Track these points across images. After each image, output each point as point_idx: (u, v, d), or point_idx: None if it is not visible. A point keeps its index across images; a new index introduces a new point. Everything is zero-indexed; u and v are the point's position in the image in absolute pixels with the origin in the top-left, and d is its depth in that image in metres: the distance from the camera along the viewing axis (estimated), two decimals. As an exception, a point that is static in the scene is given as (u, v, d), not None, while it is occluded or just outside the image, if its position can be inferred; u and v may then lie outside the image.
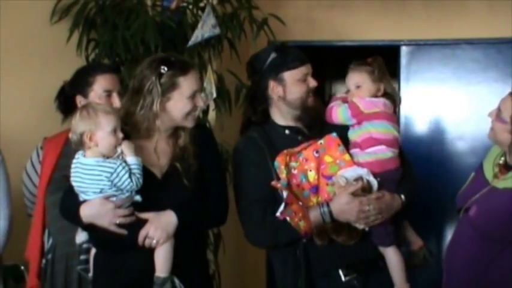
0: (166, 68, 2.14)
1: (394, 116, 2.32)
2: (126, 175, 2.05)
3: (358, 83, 2.27)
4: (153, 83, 2.13)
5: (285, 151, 2.24)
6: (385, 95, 2.29)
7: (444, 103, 4.38)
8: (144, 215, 2.12)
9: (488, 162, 2.17)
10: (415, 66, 4.39)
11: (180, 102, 2.16)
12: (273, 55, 2.29)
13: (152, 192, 2.14)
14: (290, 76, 2.29)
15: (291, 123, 2.34)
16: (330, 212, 2.18)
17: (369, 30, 4.27)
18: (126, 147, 2.10)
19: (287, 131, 2.34)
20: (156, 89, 2.12)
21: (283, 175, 2.20)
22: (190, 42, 3.26)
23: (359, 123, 2.26)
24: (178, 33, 3.30)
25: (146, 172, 2.12)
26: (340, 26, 4.27)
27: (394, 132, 2.27)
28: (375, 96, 2.28)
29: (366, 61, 2.29)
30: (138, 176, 2.08)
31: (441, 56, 4.33)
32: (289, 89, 2.28)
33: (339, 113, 2.28)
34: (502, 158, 2.08)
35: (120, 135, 2.10)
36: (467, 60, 4.26)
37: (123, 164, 2.07)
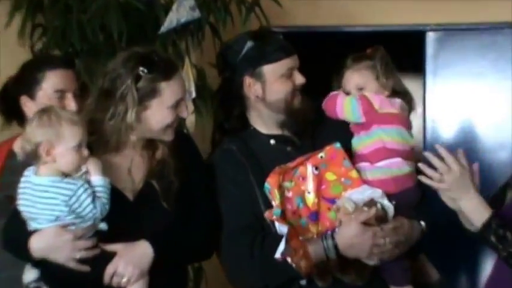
0: (146, 70, 2.14)
1: (409, 121, 2.32)
2: (89, 199, 2.05)
3: (360, 84, 2.28)
4: (129, 87, 2.13)
5: (277, 169, 2.23)
6: (395, 94, 2.29)
7: (481, 103, 4.41)
8: (111, 247, 2.13)
9: None
10: (445, 57, 4.46)
11: (160, 112, 2.18)
12: (249, 44, 2.29)
13: (122, 218, 2.14)
14: (270, 71, 2.28)
15: (275, 130, 2.35)
16: (336, 246, 2.16)
17: (387, 13, 4.30)
18: (92, 166, 2.10)
19: (272, 141, 2.34)
20: (132, 95, 2.13)
21: (276, 201, 2.19)
22: (163, 29, 3.27)
23: (367, 127, 2.26)
24: (147, 16, 3.32)
25: (114, 193, 2.13)
26: (351, 8, 4.29)
27: (412, 142, 2.28)
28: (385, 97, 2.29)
29: (364, 54, 2.29)
30: (104, 200, 2.08)
31: (477, 44, 4.38)
32: (270, 87, 2.28)
33: (345, 105, 2.27)
34: None
35: (86, 152, 2.09)
36: (511, 50, 4.34)
37: (86, 186, 2.06)
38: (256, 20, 3.48)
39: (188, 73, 3.36)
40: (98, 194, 2.07)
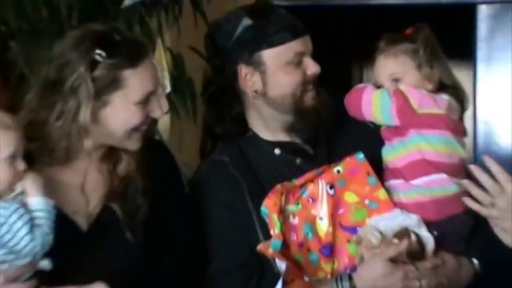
0: (104, 53, 2.15)
1: (460, 125, 2.33)
2: (25, 228, 2.04)
3: (396, 74, 2.29)
4: (81, 76, 2.14)
5: (279, 187, 2.25)
6: (442, 88, 2.30)
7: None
8: None
9: None
10: (503, 38, 4.46)
11: (124, 110, 2.19)
12: (244, 23, 2.33)
13: (71, 252, 2.15)
14: (272, 57, 2.30)
15: (281, 136, 2.38)
16: None
17: None
18: (30, 184, 2.09)
19: (277, 151, 2.37)
20: (86, 87, 2.14)
21: (276, 230, 2.21)
22: (127, 1, 3.26)
23: (403, 132, 2.27)
24: None
25: (62, 219, 2.14)
26: None
27: (462, 154, 2.29)
28: (429, 91, 2.30)
29: (404, 35, 2.31)
30: (47, 229, 2.07)
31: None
32: (272, 78, 2.31)
33: (374, 101, 2.30)
34: None
35: (22, 165, 2.09)
36: None
37: (21, 211, 2.06)
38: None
39: (161, 60, 3.36)
40: (37, 221, 2.06)
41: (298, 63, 2.32)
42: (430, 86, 2.29)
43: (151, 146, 2.31)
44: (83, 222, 2.21)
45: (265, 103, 2.34)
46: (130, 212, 2.21)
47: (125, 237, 2.18)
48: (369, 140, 2.35)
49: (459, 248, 2.26)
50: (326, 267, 2.24)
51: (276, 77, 2.31)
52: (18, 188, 2.08)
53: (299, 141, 2.37)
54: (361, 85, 2.36)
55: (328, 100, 2.36)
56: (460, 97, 2.32)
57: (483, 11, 4.48)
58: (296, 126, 2.34)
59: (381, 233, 2.19)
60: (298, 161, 2.35)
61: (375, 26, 4.76)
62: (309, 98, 2.33)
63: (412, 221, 2.22)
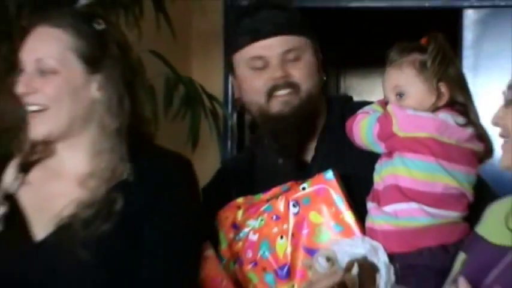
0: None
1: (462, 149, 2.23)
2: None
3: (400, 88, 2.22)
4: None
5: (240, 199, 2.32)
6: (452, 105, 2.22)
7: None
8: None
9: (492, 225, 2.10)
10: (490, 45, 4.50)
11: None
12: (235, 26, 2.43)
13: (20, 265, 2.13)
14: (237, 62, 2.37)
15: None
16: None
17: None
18: None
19: (281, 160, 2.40)
20: None
21: (222, 246, 2.28)
22: (83, 0, 3.21)
23: (389, 154, 2.23)
24: None
25: (16, 224, 2.16)
26: None
27: (449, 182, 2.20)
28: (434, 108, 2.21)
29: (416, 43, 2.24)
30: None
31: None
32: (242, 84, 2.38)
33: (361, 126, 2.28)
34: None
35: None
36: None
37: None
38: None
39: None
40: None
41: (262, 67, 2.33)
42: (437, 102, 2.21)
43: (164, 162, 2.24)
44: (39, 231, 2.15)
45: (247, 110, 2.42)
46: (90, 225, 2.12)
47: (78, 253, 2.08)
48: (369, 159, 2.28)
49: (429, 284, 2.16)
50: (282, 290, 2.22)
51: (243, 82, 2.37)
52: None
53: (279, 153, 2.39)
54: (363, 109, 2.31)
55: (314, 107, 2.36)
56: (468, 114, 2.23)
57: (469, 16, 4.50)
58: (268, 133, 2.38)
59: (329, 259, 2.12)
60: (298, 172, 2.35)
61: (355, 30, 4.75)
62: (276, 103, 2.32)
63: (370, 249, 2.16)
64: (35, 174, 2.25)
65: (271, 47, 2.32)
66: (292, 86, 2.32)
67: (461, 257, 2.08)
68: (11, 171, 2.23)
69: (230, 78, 2.45)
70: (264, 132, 2.41)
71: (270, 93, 2.32)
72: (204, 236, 2.24)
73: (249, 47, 2.32)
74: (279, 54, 2.31)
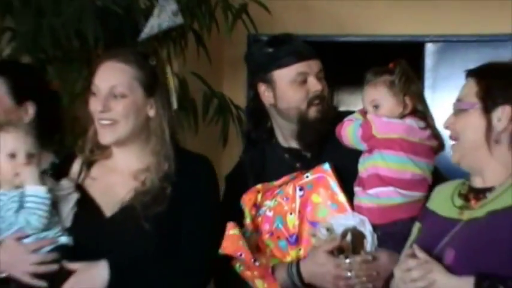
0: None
1: (423, 146, 2.23)
2: (11, 212, 2.06)
3: (375, 101, 2.22)
4: None
5: (259, 186, 2.27)
6: (415, 113, 2.23)
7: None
8: (73, 266, 2.09)
9: (440, 202, 2.11)
10: (444, 70, 4.42)
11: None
12: (265, 50, 2.33)
13: (94, 235, 2.12)
14: (280, 76, 2.30)
15: (293, 143, 2.36)
16: (299, 274, 2.16)
17: (382, 22, 4.31)
18: (28, 174, 2.09)
19: (287, 155, 2.36)
20: None
21: (247, 220, 2.22)
22: (143, 35, 3.22)
23: (370, 150, 2.23)
24: (126, 22, 3.24)
25: (88, 206, 2.14)
26: (345, 16, 4.27)
27: (415, 170, 2.20)
28: (402, 116, 2.22)
29: (386, 68, 2.25)
30: (39, 212, 2.06)
31: (479, 57, 4.24)
32: (281, 94, 2.31)
33: (348, 131, 2.26)
34: (463, 187, 2.06)
35: (22, 159, 2.09)
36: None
37: (16, 197, 2.07)
38: (243, 27, 3.48)
39: (170, 83, 3.30)
40: (26, 205, 2.06)
41: (302, 82, 2.29)
42: (404, 111, 2.21)
43: (193, 160, 2.26)
44: (107, 210, 2.16)
45: (277, 114, 2.33)
46: (149, 206, 2.13)
47: (142, 226, 2.10)
48: (353, 155, 2.26)
49: (399, 247, 2.12)
50: (292, 253, 2.20)
51: (284, 92, 2.30)
52: (17, 180, 2.10)
53: (302, 148, 2.34)
54: (348, 117, 2.29)
55: (333, 117, 2.31)
56: (427, 120, 2.23)
57: (430, 48, 4.45)
58: (299, 134, 2.31)
59: (328, 230, 2.14)
60: (298, 165, 2.32)
61: (344, 58, 4.74)
62: (313, 111, 2.29)
63: (358, 221, 2.16)
64: (95, 171, 2.26)
65: (311, 66, 2.30)
66: (323, 98, 2.32)
67: (417, 226, 2.11)
68: (76, 167, 2.26)
69: (262, 87, 2.33)
70: (299, 131, 2.32)
71: (311, 102, 2.29)
72: (227, 215, 2.22)
73: (295, 65, 2.27)
74: (316, 73, 2.31)
